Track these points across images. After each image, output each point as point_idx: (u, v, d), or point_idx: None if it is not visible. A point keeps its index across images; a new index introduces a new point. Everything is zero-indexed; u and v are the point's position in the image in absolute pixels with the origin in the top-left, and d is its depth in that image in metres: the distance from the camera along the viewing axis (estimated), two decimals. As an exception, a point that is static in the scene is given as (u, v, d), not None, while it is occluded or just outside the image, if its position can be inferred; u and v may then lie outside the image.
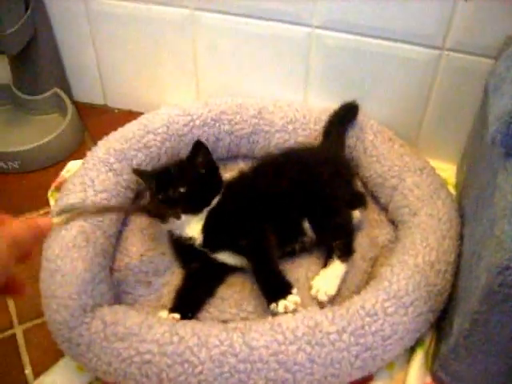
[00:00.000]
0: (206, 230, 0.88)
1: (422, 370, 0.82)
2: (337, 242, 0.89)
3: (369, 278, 0.91)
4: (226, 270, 0.91)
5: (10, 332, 0.91)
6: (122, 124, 1.07)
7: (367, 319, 0.74)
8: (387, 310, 0.75)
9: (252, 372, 0.70)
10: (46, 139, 1.14)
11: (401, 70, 1.04)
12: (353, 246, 0.91)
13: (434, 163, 1.08)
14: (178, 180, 0.87)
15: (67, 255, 0.82)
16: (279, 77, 1.13)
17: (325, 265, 0.88)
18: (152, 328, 0.74)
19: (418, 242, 0.85)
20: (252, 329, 0.73)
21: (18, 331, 0.91)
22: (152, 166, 1.00)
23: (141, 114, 1.08)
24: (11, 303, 0.94)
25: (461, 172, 1.07)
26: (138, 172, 0.95)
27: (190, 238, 0.88)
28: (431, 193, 0.93)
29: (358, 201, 1.00)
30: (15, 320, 0.92)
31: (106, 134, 1.05)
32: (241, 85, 1.16)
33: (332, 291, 0.85)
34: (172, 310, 0.83)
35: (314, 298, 0.85)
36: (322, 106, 1.10)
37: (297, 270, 0.91)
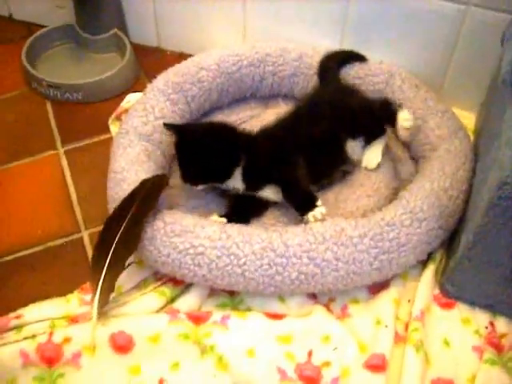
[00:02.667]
0: (246, 178, 0.99)
1: (432, 283, 0.95)
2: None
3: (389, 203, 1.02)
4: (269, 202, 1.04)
5: (77, 236, 1.06)
6: (172, 64, 1.20)
7: (386, 228, 0.88)
8: (404, 222, 0.89)
9: (287, 265, 0.85)
10: (107, 74, 1.28)
11: (428, 23, 1.14)
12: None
13: (455, 111, 1.20)
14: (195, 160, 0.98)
15: (132, 168, 0.97)
16: (319, 24, 1.24)
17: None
18: (204, 227, 0.89)
19: (435, 170, 0.98)
20: (288, 231, 0.88)
21: (85, 235, 1.06)
22: (204, 98, 1.14)
23: (191, 55, 1.21)
24: (78, 210, 1.09)
25: (479, 120, 1.18)
26: (168, 126, 1.04)
27: (234, 188, 1.01)
28: (450, 133, 1.05)
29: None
30: (82, 225, 1.07)
31: (159, 71, 1.18)
32: (284, 31, 1.27)
33: (379, 159, 1.06)
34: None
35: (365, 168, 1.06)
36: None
37: (326, 193, 1.04)
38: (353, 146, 1.04)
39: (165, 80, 1.10)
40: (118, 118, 1.21)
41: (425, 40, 1.17)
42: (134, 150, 1.00)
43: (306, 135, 1.02)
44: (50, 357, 0.86)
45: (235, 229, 0.89)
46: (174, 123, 1.07)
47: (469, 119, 1.21)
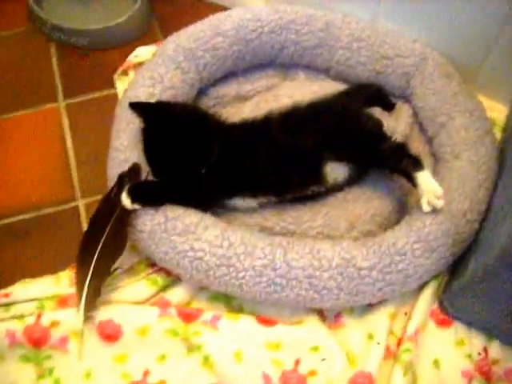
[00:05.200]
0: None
1: (432, 298, 0.92)
2: (402, 162, 0.90)
3: (403, 206, 0.97)
4: None
5: (73, 204, 1.03)
6: (188, 12, 1.10)
7: (396, 257, 0.83)
8: (415, 252, 0.84)
9: (286, 287, 0.82)
10: (115, 21, 1.18)
11: (475, 8, 1.02)
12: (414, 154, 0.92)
13: (487, 101, 1.12)
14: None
15: (135, 148, 0.91)
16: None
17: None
18: (207, 229, 0.85)
19: (454, 187, 0.91)
20: (294, 249, 0.83)
21: (81, 204, 1.03)
22: (217, 67, 1.05)
23: (208, 2, 1.10)
24: (75, 175, 1.05)
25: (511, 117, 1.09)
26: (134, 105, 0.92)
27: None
28: (476, 137, 0.97)
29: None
30: (78, 193, 1.03)
31: (173, 20, 1.08)
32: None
33: (439, 191, 0.85)
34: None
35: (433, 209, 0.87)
36: (390, 26, 1.10)
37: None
38: (333, 168, 0.92)
39: (175, 44, 1.01)
40: (125, 73, 1.13)
41: (468, 23, 1.05)
42: (137, 126, 0.92)
43: (284, 143, 0.91)
44: (38, 338, 0.86)
45: (238, 236, 0.84)
46: (141, 102, 0.94)
47: (500, 112, 1.13)
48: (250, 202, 0.93)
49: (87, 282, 0.83)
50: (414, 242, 0.85)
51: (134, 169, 0.89)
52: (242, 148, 0.92)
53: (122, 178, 0.88)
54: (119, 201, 0.85)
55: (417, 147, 1.05)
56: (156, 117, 0.90)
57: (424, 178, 0.88)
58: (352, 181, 0.98)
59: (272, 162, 0.91)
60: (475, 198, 0.90)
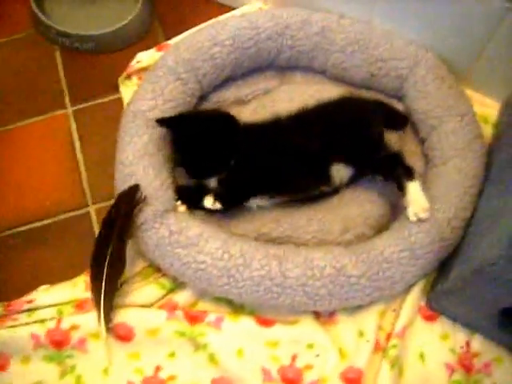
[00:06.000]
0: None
1: (420, 295, 0.99)
2: (396, 171, 0.97)
3: (395, 209, 1.03)
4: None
5: (84, 210, 1.09)
6: (188, 12, 1.12)
7: (384, 265, 0.90)
8: (401, 260, 0.91)
9: (282, 294, 0.89)
10: (119, 25, 1.20)
11: (468, 8, 1.03)
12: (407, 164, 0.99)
13: (480, 96, 1.16)
14: None
15: (140, 162, 0.97)
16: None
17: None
18: (208, 242, 0.92)
19: (441, 194, 0.96)
20: (289, 259, 0.90)
21: (92, 209, 1.09)
22: (217, 76, 1.08)
23: (208, 1, 1.12)
24: (85, 181, 1.11)
25: (503, 114, 1.12)
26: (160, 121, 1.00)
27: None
28: (465, 143, 1.01)
29: (401, 122, 1.10)
30: (89, 200, 1.10)
31: (174, 19, 1.10)
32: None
33: (426, 204, 0.93)
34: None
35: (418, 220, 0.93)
36: (386, 27, 1.12)
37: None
38: (338, 170, 0.99)
39: (175, 56, 1.04)
40: (129, 78, 1.17)
41: (461, 23, 1.06)
42: (142, 139, 0.98)
43: (294, 144, 0.98)
44: (59, 340, 0.95)
45: (238, 248, 0.91)
46: (166, 117, 1.00)
47: (493, 108, 1.16)
48: (265, 202, 1.01)
49: (102, 300, 0.91)
50: (401, 250, 0.92)
51: (132, 190, 0.95)
52: (261, 149, 0.98)
53: (119, 198, 0.95)
54: (117, 221, 0.93)
55: (409, 147, 1.10)
56: (183, 126, 0.98)
57: (414, 188, 0.94)
58: (351, 182, 1.04)
59: (288, 162, 0.97)
60: (460, 204, 0.95)
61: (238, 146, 0.97)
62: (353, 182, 1.04)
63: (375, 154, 0.99)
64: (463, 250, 0.94)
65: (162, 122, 0.98)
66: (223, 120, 1.00)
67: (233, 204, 1.00)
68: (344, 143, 0.98)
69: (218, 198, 0.95)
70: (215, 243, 0.92)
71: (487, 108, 1.16)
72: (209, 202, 0.95)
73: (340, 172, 1.00)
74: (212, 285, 0.91)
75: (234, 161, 0.97)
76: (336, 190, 1.04)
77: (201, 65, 1.06)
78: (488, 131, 1.13)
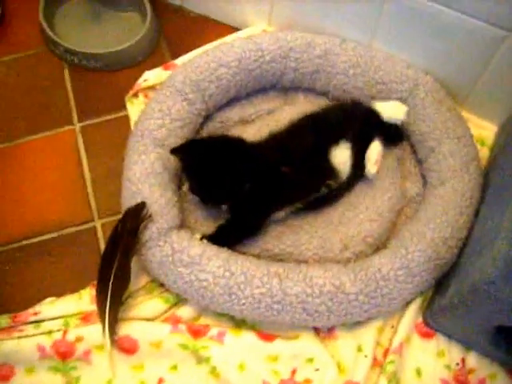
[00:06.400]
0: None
1: (416, 312, 1.02)
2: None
3: (393, 227, 1.07)
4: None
5: (91, 224, 1.11)
6: (194, 30, 1.15)
7: (381, 283, 0.93)
8: (398, 278, 0.94)
9: (282, 311, 0.92)
10: (127, 44, 1.23)
11: (465, 37, 1.07)
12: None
13: (477, 119, 1.20)
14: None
15: (146, 180, 0.99)
16: (351, 16, 1.16)
17: None
18: (210, 260, 0.94)
19: (438, 214, 0.99)
20: (289, 277, 0.93)
21: (98, 224, 1.11)
22: (222, 96, 1.12)
23: (214, 21, 1.15)
24: (92, 196, 1.13)
25: (500, 137, 1.16)
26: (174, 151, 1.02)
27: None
28: (462, 165, 1.05)
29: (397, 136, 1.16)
30: (96, 215, 1.12)
31: (180, 38, 1.14)
32: (313, 19, 1.20)
33: (374, 157, 1.07)
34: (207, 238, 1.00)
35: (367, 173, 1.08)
36: (386, 51, 1.16)
37: (330, 213, 1.08)
38: (337, 154, 1.04)
39: (182, 77, 1.08)
40: (135, 96, 1.20)
41: (460, 49, 1.10)
42: (149, 157, 1.01)
43: (291, 149, 1.03)
44: (64, 352, 0.97)
45: (239, 266, 0.94)
46: (179, 146, 1.02)
47: (489, 130, 1.21)
48: (280, 214, 1.05)
49: (107, 314, 0.94)
50: (398, 268, 0.95)
51: (138, 207, 0.97)
52: (271, 166, 1.02)
53: (126, 215, 0.97)
54: (123, 237, 0.95)
55: (408, 168, 1.14)
56: (195, 153, 1.00)
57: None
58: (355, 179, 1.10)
59: (296, 171, 1.02)
60: (456, 225, 0.98)
61: (251, 172, 0.99)
62: (355, 180, 1.09)
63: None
64: (460, 268, 0.97)
65: (176, 151, 1.00)
66: (235, 145, 1.02)
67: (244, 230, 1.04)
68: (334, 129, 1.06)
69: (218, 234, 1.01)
70: (217, 262, 0.94)
71: (484, 130, 1.20)
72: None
73: (337, 157, 1.04)
74: (214, 302, 0.94)
75: (247, 186, 0.99)
76: (344, 189, 1.09)
77: (207, 86, 1.09)
78: (485, 153, 1.17)
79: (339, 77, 1.15)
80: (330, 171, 1.06)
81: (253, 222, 1.04)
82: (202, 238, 0.99)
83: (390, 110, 1.12)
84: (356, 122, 1.09)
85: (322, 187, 1.05)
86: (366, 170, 1.09)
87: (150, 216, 0.97)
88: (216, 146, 1.02)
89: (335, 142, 1.06)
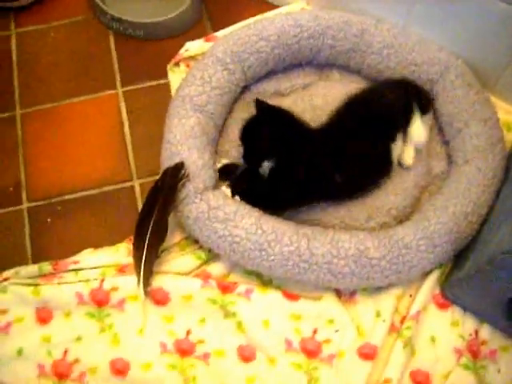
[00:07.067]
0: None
1: (435, 284, 1.07)
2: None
3: (417, 202, 1.11)
4: None
5: (129, 184, 1.18)
6: (236, 5, 1.20)
7: (403, 251, 0.98)
8: (420, 247, 0.99)
9: (308, 270, 0.97)
10: (170, 15, 1.29)
11: (498, 26, 1.11)
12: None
13: (504, 105, 1.23)
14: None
15: (185, 143, 1.05)
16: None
17: None
18: (244, 218, 0.99)
19: (460, 191, 1.04)
20: (316, 239, 0.98)
21: (136, 184, 1.18)
22: (260, 68, 1.17)
23: None
24: (131, 158, 1.20)
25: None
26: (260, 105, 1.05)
27: None
28: (487, 146, 1.09)
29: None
30: (134, 175, 1.18)
31: (221, 14, 1.19)
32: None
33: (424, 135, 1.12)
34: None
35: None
36: (420, 32, 1.20)
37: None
38: (396, 147, 1.07)
39: (224, 47, 1.13)
40: (177, 65, 1.26)
41: (491, 35, 1.14)
42: (189, 121, 1.07)
43: (347, 157, 1.03)
44: (100, 300, 1.04)
45: (270, 225, 0.99)
46: (266, 103, 1.05)
47: (517, 117, 1.24)
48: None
49: (142, 265, 1.00)
50: (420, 238, 1.00)
51: (178, 167, 1.03)
52: (325, 174, 1.03)
53: (165, 173, 1.03)
54: (162, 193, 1.01)
55: (435, 148, 1.18)
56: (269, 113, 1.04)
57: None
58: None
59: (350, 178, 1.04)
60: (478, 202, 1.03)
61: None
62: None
63: None
64: (478, 243, 1.01)
65: (260, 103, 1.04)
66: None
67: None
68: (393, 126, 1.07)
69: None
70: (250, 219, 1.00)
71: (511, 116, 1.23)
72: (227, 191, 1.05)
73: (397, 149, 1.08)
74: (245, 257, 1.00)
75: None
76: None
77: (247, 57, 1.14)
78: (511, 137, 1.20)
79: (373, 56, 1.19)
80: (389, 166, 1.09)
81: (284, 203, 1.06)
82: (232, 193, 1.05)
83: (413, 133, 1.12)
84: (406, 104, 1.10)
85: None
86: (403, 159, 1.11)
87: (188, 175, 1.03)
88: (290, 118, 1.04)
89: (393, 138, 1.07)
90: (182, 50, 1.26)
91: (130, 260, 1.05)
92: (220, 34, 1.27)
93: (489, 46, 1.17)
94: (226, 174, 1.09)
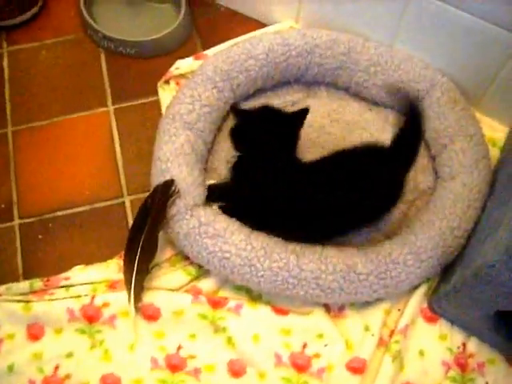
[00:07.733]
0: None
1: (422, 298, 1.09)
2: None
3: (404, 217, 1.13)
4: None
5: (120, 200, 1.19)
6: (224, 24, 1.22)
7: (390, 265, 0.99)
8: (407, 262, 1.00)
9: (297, 285, 0.99)
10: (160, 34, 1.31)
11: (482, 41, 1.13)
12: None
13: (490, 121, 1.26)
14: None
15: (175, 160, 1.06)
16: (374, 17, 1.22)
17: None
18: (233, 234, 1.01)
19: (447, 206, 1.06)
20: (305, 254, 0.99)
21: (127, 200, 1.19)
22: (249, 86, 1.19)
23: (243, 16, 1.23)
24: (122, 174, 1.20)
25: (510, 138, 1.22)
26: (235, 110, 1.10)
27: None
28: (472, 162, 1.11)
29: None
30: (125, 191, 1.19)
31: (211, 32, 1.21)
32: (337, 17, 1.26)
33: None
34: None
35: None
36: (406, 51, 1.22)
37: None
38: None
39: (213, 66, 1.15)
40: (167, 82, 1.28)
41: (476, 52, 1.16)
42: (179, 139, 1.08)
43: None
44: (91, 316, 1.04)
45: (259, 241, 1.00)
46: (240, 108, 1.10)
47: (501, 132, 1.26)
48: None
49: (133, 282, 1.01)
50: (407, 253, 1.02)
51: (168, 183, 1.04)
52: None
53: (155, 190, 1.04)
54: (152, 209, 1.02)
55: (422, 162, 1.20)
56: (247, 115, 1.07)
57: None
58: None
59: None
60: (464, 217, 1.05)
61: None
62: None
63: None
64: (465, 257, 1.03)
65: (237, 111, 1.08)
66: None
67: None
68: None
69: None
70: (239, 235, 1.01)
71: (496, 132, 1.26)
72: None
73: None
74: (234, 273, 1.01)
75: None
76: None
77: (236, 75, 1.16)
78: (496, 153, 1.23)
79: (360, 74, 1.21)
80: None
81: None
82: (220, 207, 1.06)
83: None
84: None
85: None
86: None
87: (178, 192, 1.04)
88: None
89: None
90: (172, 68, 1.27)
91: (120, 276, 1.06)
92: (210, 52, 1.29)
93: (474, 63, 1.20)
94: (212, 194, 1.09)
